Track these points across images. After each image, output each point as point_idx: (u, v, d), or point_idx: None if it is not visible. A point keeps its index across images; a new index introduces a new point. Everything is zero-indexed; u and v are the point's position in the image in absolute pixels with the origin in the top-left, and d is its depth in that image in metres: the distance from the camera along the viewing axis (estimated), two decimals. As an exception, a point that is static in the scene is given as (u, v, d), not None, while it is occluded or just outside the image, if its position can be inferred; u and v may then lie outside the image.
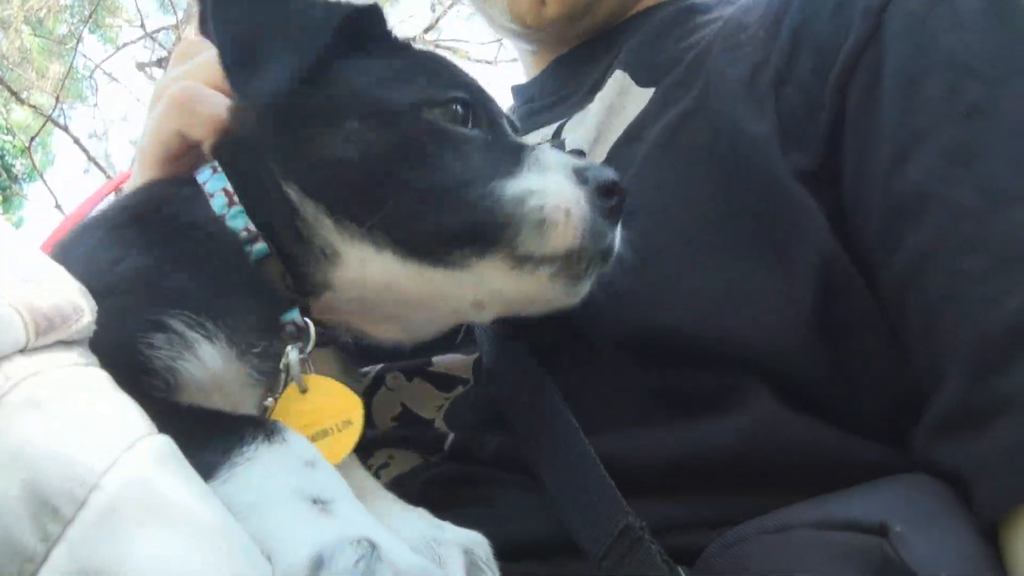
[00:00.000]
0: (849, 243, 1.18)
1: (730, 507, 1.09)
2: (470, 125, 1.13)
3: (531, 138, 1.59)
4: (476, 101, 1.15)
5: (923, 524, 0.96)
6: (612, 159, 1.38)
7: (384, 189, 1.06)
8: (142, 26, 15.25)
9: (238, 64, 1.08)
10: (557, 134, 1.52)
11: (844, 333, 1.16)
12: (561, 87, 1.69)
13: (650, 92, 1.43)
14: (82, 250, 1.08)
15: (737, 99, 1.29)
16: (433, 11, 14.39)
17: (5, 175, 15.93)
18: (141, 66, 15.23)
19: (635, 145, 1.37)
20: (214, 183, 1.13)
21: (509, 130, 1.21)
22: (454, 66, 1.22)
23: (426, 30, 14.01)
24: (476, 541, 0.99)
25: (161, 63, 14.16)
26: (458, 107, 1.12)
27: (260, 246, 1.10)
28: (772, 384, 1.15)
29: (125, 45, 15.68)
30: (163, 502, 0.74)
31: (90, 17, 15.09)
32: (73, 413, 0.76)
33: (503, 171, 1.07)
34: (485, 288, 1.09)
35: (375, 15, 1.18)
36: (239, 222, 1.10)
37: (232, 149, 1.16)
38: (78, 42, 15.05)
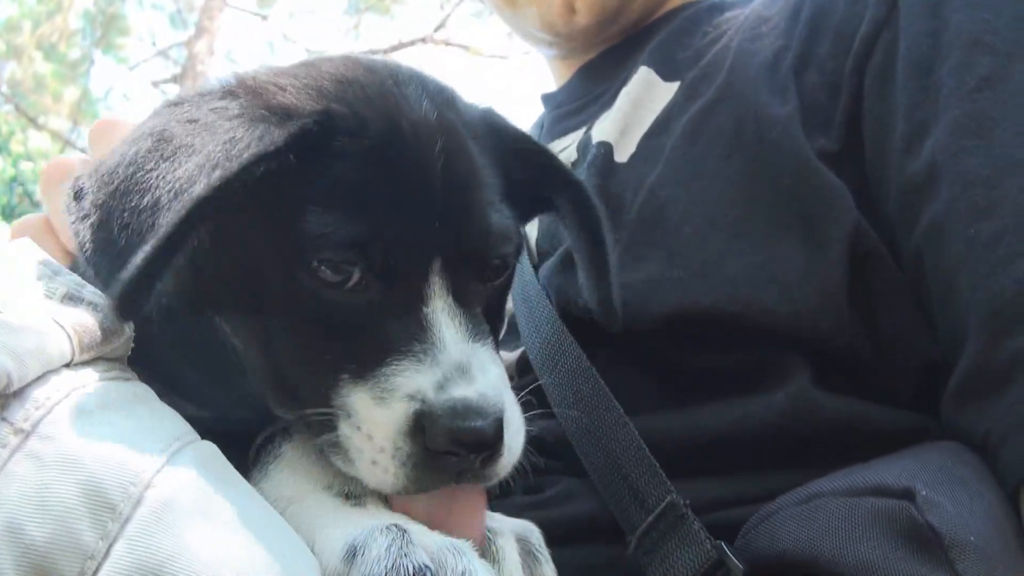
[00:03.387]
0: (873, 220, 1.20)
1: (772, 482, 1.11)
2: (365, 279, 0.92)
3: (562, 142, 1.62)
4: (388, 250, 0.92)
5: (950, 489, 0.97)
6: (640, 151, 1.40)
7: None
8: (154, 44, 15.39)
9: (102, 258, 0.86)
10: (588, 137, 1.53)
11: (876, 305, 1.18)
12: (589, 91, 1.72)
13: (675, 86, 1.46)
14: None
15: (760, 85, 1.31)
16: (442, 9, 14.41)
17: (28, 200, 16.10)
18: (156, 84, 15.36)
19: (662, 137, 1.39)
20: None
21: (433, 288, 0.96)
22: (392, 173, 0.94)
23: (436, 29, 14.03)
24: (528, 529, 1.02)
25: (175, 79, 14.26)
26: (349, 258, 0.91)
27: None
28: (810, 359, 1.17)
29: (137, 65, 15.81)
30: (214, 499, 0.78)
31: (101, 39, 15.23)
32: (123, 419, 0.79)
33: (356, 369, 0.91)
34: None
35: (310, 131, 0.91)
36: None
37: None
38: (91, 65, 15.21)
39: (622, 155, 1.42)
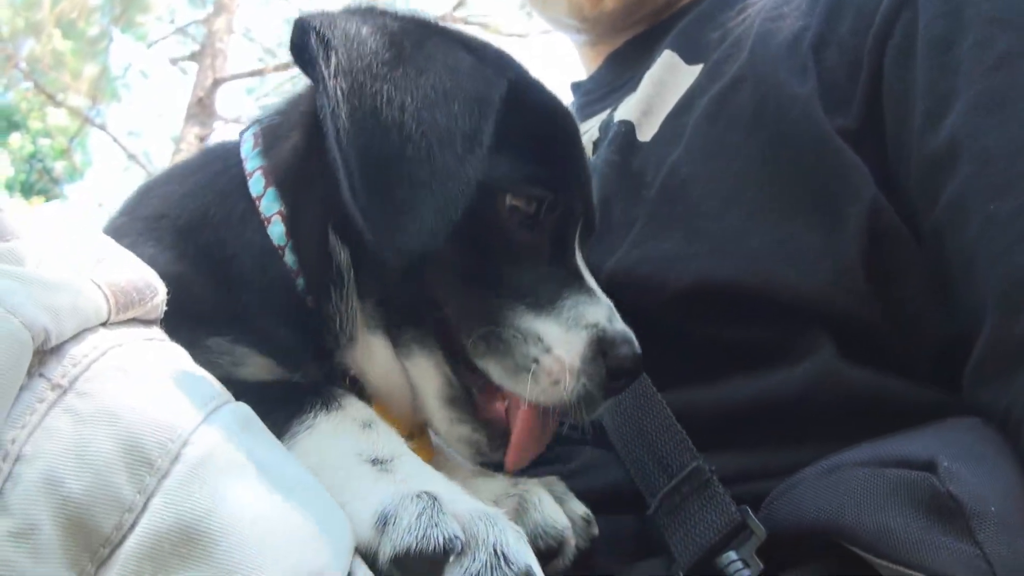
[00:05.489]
0: (892, 197, 1.20)
1: (795, 455, 1.12)
2: (542, 219, 1.08)
3: (587, 124, 1.63)
4: (563, 198, 1.10)
5: (972, 462, 0.98)
6: (664, 131, 1.42)
7: (431, 289, 1.05)
8: (172, 22, 15.39)
9: (376, 209, 0.95)
10: (610, 117, 1.55)
11: (894, 281, 1.19)
12: (616, 78, 1.74)
13: (698, 68, 1.47)
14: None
15: (780, 63, 1.31)
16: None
17: (47, 177, 16.18)
18: (174, 61, 15.37)
19: (685, 117, 1.40)
20: (269, 204, 1.09)
21: (576, 244, 1.14)
22: (568, 135, 1.15)
23: (455, 7, 13.95)
24: (550, 480, 1.10)
25: (194, 57, 14.25)
26: (537, 201, 1.07)
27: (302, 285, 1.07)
28: (832, 334, 1.18)
29: (156, 42, 15.82)
30: (249, 458, 0.78)
31: (121, 16, 15.24)
32: (160, 379, 0.80)
33: (534, 301, 1.05)
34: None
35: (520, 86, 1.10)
36: (291, 259, 1.07)
37: (294, 186, 1.10)
38: (109, 42, 15.23)
39: (645, 135, 1.43)
